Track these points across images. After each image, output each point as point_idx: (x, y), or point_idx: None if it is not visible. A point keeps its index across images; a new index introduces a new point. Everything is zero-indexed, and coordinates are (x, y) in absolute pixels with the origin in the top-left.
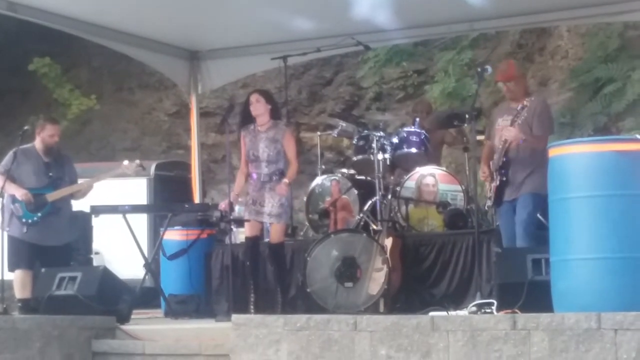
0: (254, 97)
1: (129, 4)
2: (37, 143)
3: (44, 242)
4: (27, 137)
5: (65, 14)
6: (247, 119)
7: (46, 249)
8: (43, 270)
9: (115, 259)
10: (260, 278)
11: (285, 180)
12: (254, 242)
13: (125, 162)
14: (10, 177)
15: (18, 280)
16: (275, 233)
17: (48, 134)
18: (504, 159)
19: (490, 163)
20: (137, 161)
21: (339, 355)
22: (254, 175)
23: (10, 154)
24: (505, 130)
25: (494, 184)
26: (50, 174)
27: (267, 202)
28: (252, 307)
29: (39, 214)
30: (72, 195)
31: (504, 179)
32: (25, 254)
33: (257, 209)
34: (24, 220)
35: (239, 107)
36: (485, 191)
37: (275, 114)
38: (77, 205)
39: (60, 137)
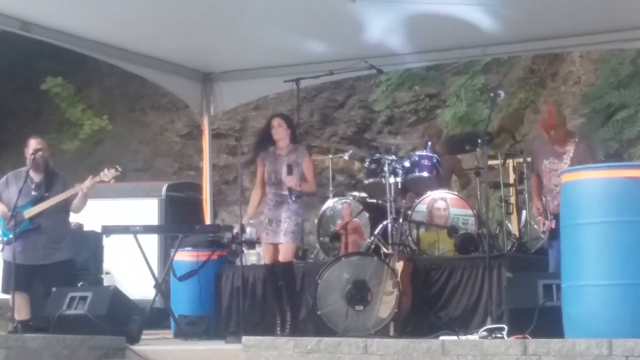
0: (276, 122)
1: (142, 25)
2: (29, 162)
3: (29, 261)
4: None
5: (79, 34)
6: (267, 141)
7: (38, 269)
8: (54, 289)
9: (126, 279)
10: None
11: (299, 184)
12: (273, 269)
13: (105, 171)
14: None
15: (14, 302)
16: (285, 252)
17: (32, 148)
18: None
19: (544, 200)
20: (117, 167)
21: None
22: (271, 196)
23: (3, 178)
24: None
25: (548, 223)
26: (34, 192)
27: (283, 220)
28: (278, 329)
29: (16, 232)
30: (65, 211)
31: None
32: (13, 275)
33: (273, 228)
34: (1, 239)
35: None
36: (536, 222)
37: (294, 138)
38: (90, 225)
39: (49, 151)
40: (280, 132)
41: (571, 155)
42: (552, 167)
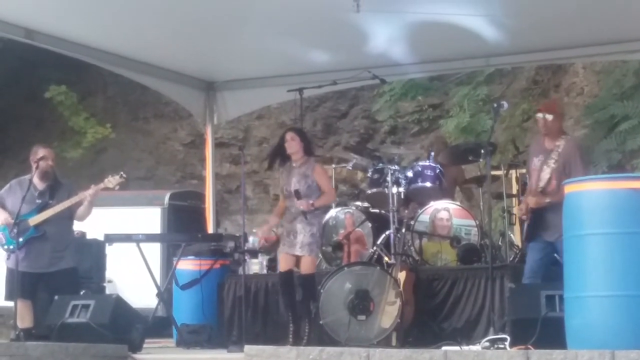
0: (289, 135)
1: (146, 34)
2: (33, 170)
3: (34, 268)
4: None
5: (82, 42)
6: (282, 156)
7: (42, 276)
8: (56, 297)
9: (128, 287)
10: (292, 309)
11: (311, 201)
12: (287, 276)
13: (109, 177)
14: (2, 206)
15: (17, 310)
16: (305, 265)
17: (38, 156)
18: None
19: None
20: (121, 173)
21: None
22: (288, 208)
23: (7, 185)
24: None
25: (527, 223)
26: (39, 200)
27: (299, 232)
28: (290, 337)
29: (20, 240)
30: (69, 219)
31: (537, 219)
32: (17, 283)
33: (290, 240)
34: (5, 247)
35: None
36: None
37: (308, 151)
38: (92, 233)
39: (55, 161)
40: (293, 146)
41: (560, 151)
42: (539, 165)
